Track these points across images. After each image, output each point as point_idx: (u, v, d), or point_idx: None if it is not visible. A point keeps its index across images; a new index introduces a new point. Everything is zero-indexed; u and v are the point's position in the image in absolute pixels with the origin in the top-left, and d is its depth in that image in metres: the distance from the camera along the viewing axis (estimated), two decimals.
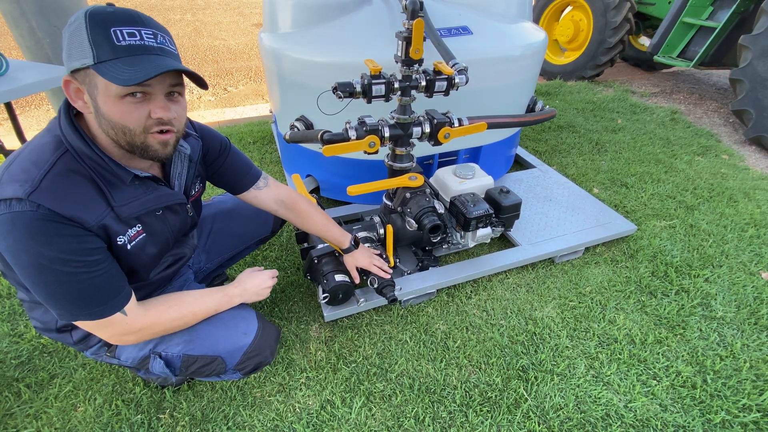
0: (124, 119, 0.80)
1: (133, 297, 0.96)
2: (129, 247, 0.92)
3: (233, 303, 1.16)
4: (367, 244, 1.55)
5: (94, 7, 0.75)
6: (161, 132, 0.84)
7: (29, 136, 2.51)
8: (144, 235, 0.96)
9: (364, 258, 1.44)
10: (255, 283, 1.22)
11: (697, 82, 4.43)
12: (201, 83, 0.86)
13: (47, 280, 0.82)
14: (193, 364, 1.11)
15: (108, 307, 0.89)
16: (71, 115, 0.85)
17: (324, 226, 1.38)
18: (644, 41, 4.79)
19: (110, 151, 0.87)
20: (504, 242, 1.91)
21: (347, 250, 1.43)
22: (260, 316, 1.22)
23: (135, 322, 0.95)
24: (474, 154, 2.09)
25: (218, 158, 1.17)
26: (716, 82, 4.41)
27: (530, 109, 2.14)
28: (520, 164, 2.59)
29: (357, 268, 1.45)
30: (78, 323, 0.91)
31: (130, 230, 0.92)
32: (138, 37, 0.76)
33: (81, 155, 0.83)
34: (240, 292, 1.18)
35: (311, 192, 2.10)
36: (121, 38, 0.75)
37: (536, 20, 4.58)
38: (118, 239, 0.89)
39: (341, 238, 1.40)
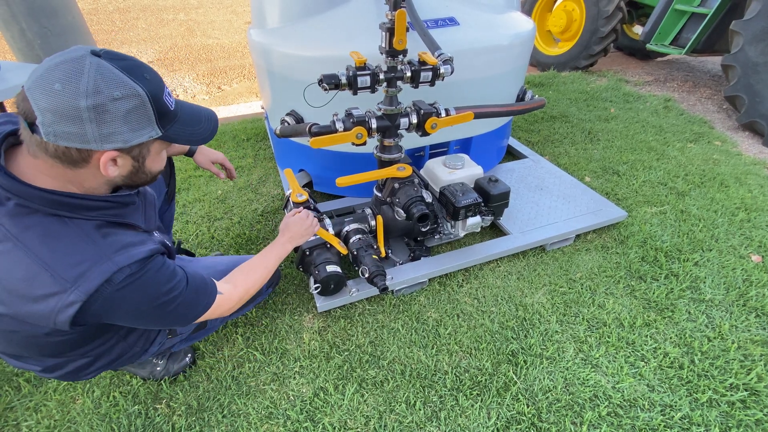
0: (161, 167, 0.91)
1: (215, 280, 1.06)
2: (168, 243, 1.03)
3: (288, 250, 1.31)
4: (358, 236, 1.57)
5: (149, 83, 0.76)
6: None
7: None
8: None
9: (211, 153, 1.48)
10: (299, 226, 1.34)
11: (691, 69, 4.43)
12: None
13: (169, 309, 0.90)
14: None
15: (211, 296, 1.01)
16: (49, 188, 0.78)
17: None
18: (638, 30, 4.77)
19: (101, 192, 0.86)
20: (495, 231, 1.93)
21: (190, 153, 1.43)
22: None
23: (232, 296, 1.08)
24: (465, 146, 2.10)
25: None
26: (710, 70, 4.41)
27: (520, 99, 2.15)
28: (512, 155, 2.60)
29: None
30: (198, 319, 1.02)
31: (156, 233, 1.01)
32: (171, 96, 0.84)
33: (90, 209, 0.81)
34: (289, 238, 1.32)
35: (304, 186, 2.11)
36: (169, 104, 0.81)
37: (529, 11, 4.57)
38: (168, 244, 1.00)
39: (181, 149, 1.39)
